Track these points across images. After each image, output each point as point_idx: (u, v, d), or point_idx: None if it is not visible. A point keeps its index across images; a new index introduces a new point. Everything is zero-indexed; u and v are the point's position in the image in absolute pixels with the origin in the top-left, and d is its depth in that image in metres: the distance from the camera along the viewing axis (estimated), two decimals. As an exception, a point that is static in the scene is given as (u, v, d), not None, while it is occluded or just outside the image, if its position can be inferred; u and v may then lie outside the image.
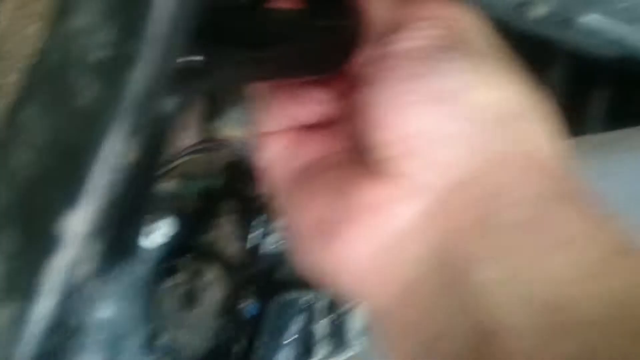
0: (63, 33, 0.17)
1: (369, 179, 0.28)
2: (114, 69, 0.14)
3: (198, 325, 0.55)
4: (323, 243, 0.29)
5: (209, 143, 0.50)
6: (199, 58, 0.24)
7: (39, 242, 0.15)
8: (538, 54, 0.43)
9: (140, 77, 0.14)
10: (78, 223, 0.15)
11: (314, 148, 0.34)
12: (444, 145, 0.27)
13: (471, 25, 0.30)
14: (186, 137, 0.59)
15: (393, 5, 0.31)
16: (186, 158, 0.49)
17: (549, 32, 0.40)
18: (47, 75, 0.17)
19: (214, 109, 0.57)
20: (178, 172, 0.52)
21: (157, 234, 0.51)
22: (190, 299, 0.53)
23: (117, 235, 0.16)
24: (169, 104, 0.16)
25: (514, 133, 0.28)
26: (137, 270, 0.51)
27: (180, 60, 0.20)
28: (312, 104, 0.34)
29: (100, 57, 0.15)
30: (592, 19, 0.36)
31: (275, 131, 0.35)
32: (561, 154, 0.29)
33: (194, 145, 0.49)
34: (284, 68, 0.32)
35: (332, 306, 0.55)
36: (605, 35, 0.38)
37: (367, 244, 0.28)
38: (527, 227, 0.25)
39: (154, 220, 0.51)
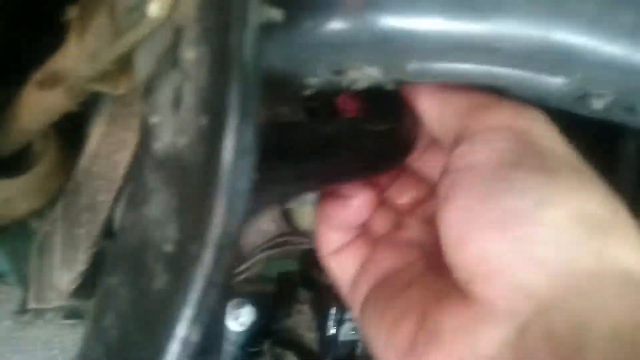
0: (140, 218, 0.19)
1: (451, 302, 0.27)
2: (179, 266, 0.17)
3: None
4: None
5: (287, 236, 0.52)
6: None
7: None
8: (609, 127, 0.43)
9: (201, 276, 0.16)
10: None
11: (386, 260, 0.34)
12: (523, 268, 0.25)
13: (543, 133, 0.29)
14: (266, 221, 0.63)
15: (460, 112, 0.31)
16: (266, 253, 0.52)
17: (616, 118, 0.39)
18: (127, 251, 0.20)
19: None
20: (260, 260, 0.55)
21: (242, 318, 0.54)
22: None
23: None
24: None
25: (602, 248, 0.25)
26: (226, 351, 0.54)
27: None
28: (359, 208, 0.34)
29: (168, 250, 0.17)
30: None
31: (341, 246, 0.35)
32: None
33: (274, 238, 0.52)
34: (334, 176, 0.33)
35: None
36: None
37: None
38: None
39: (240, 304, 0.54)
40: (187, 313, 0.17)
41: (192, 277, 0.16)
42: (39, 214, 0.47)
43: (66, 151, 0.45)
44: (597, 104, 0.36)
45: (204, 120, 0.17)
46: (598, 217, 0.26)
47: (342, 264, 0.35)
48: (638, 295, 0.24)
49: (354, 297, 0.34)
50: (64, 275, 0.47)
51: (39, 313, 0.48)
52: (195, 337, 0.17)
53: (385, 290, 0.32)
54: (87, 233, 0.43)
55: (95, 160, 0.41)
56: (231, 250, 0.16)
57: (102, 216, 0.40)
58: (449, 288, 0.28)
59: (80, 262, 0.44)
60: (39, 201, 0.45)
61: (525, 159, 0.27)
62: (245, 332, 0.53)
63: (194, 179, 0.17)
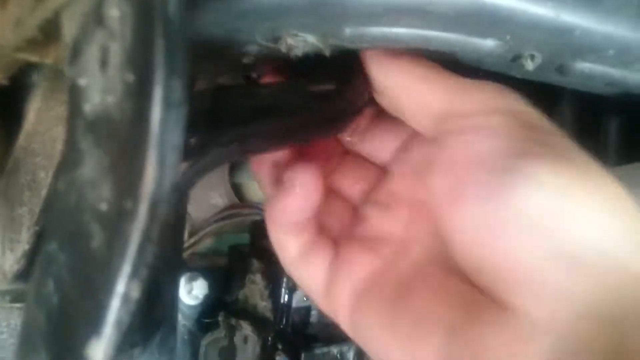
0: (74, 181, 0.19)
1: (485, 315, 0.24)
2: (115, 223, 0.17)
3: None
4: None
5: (236, 209, 0.53)
6: (191, 140, 0.25)
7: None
8: (547, 88, 0.44)
9: (136, 231, 0.16)
10: (101, 350, 0.18)
11: (360, 261, 0.31)
12: (557, 269, 0.23)
13: (535, 114, 0.27)
14: (215, 196, 0.63)
15: (442, 92, 0.28)
16: (217, 225, 0.52)
17: (549, 80, 0.41)
18: (63, 215, 0.20)
19: (237, 164, 0.61)
20: (210, 233, 0.55)
21: (195, 291, 0.54)
22: (229, 352, 0.56)
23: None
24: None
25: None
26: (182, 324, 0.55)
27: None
28: (305, 194, 0.31)
29: (104, 209, 0.18)
30: (584, 66, 0.37)
31: (303, 250, 0.32)
32: None
33: (223, 210, 0.53)
34: (276, 138, 0.32)
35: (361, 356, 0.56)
36: (602, 79, 0.39)
37: None
38: None
39: (193, 278, 0.55)
40: (125, 269, 0.17)
41: (127, 232, 0.16)
42: (-24, 196, 0.45)
43: (2, 130, 0.44)
44: (529, 66, 0.37)
45: (131, 77, 0.17)
46: (630, 207, 0.24)
47: (308, 271, 0.33)
48: None
49: (334, 308, 0.31)
50: (8, 257, 0.46)
51: (-16, 297, 0.47)
52: (135, 294, 0.17)
53: (380, 296, 0.29)
54: (29, 211, 0.42)
55: (34, 137, 0.40)
56: (166, 205, 0.17)
57: (42, 192, 0.39)
58: (474, 295, 0.25)
59: (24, 242, 0.43)
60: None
61: (530, 146, 0.25)
62: (198, 305, 0.53)
63: (124, 136, 0.17)
